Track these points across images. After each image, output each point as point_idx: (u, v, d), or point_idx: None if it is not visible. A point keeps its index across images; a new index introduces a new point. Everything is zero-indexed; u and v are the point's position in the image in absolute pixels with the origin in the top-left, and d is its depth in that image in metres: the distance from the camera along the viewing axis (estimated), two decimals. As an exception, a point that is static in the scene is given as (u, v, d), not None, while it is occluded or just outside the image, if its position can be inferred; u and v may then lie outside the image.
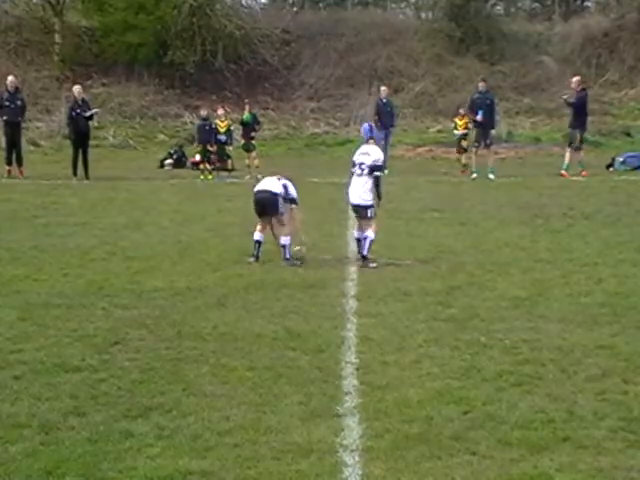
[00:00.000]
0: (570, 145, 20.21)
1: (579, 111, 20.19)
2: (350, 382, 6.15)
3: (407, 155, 26.39)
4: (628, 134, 27.26)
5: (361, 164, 10.48)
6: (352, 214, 10.92)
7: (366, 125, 11.27)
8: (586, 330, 7.41)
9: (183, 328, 7.52)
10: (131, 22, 30.20)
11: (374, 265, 10.18)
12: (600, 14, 35.91)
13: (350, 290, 9.14)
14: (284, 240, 10.40)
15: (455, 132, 22.64)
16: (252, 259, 10.43)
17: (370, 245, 10.28)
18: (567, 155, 20.15)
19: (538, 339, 7.14)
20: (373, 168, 10.40)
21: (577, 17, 35.94)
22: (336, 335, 7.34)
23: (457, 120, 22.57)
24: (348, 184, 10.65)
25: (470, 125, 21.72)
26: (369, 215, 10.41)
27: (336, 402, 5.72)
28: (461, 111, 22.48)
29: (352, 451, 4.98)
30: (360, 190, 10.42)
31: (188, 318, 7.87)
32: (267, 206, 10.51)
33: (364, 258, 10.29)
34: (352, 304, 8.48)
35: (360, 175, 10.45)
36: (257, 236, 10.48)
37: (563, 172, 19.83)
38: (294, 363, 6.54)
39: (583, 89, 20.60)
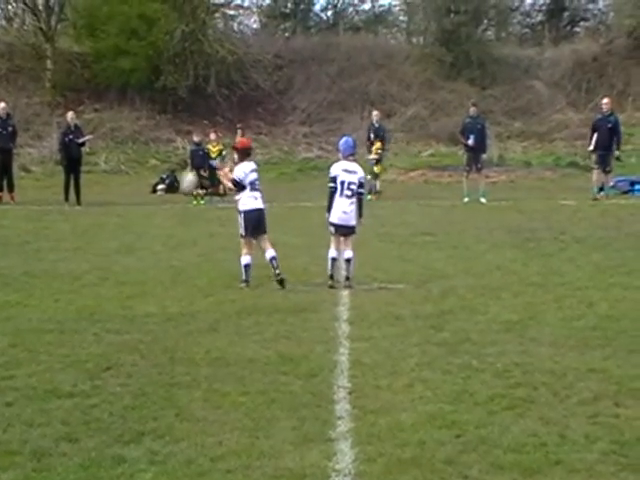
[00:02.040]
0: (606, 169, 20.34)
1: (616, 132, 20.46)
2: (343, 406, 6.14)
3: (399, 179, 26.50)
4: (618, 158, 27.39)
5: (350, 184, 10.51)
6: (332, 233, 10.70)
7: (350, 139, 11.08)
8: (578, 354, 7.43)
9: (175, 353, 7.50)
10: (123, 47, 30.35)
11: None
12: (589, 39, 36.26)
13: (342, 314, 9.14)
14: (272, 253, 10.41)
15: (368, 157, 22.21)
16: (243, 284, 10.42)
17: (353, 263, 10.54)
18: (606, 178, 20.39)
19: (530, 363, 7.14)
20: (361, 186, 10.61)
21: (567, 42, 36.30)
22: (328, 359, 7.33)
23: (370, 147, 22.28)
24: (331, 201, 10.62)
25: (380, 151, 21.94)
26: (354, 233, 10.65)
27: (329, 426, 5.71)
28: (371, 136, 22.30)
29: (345, 475, 4.97)
30: (351, 211, 10.54)
31: (180, 343, 7.86)
32: (262, 223, 10.55)
33: (347, 279, 10.46)
34: (344, 328, 8.48)
35: (350, 196, 10.52)
36: (246, 260, 10.45)
37: (598, 196, 19.99)
38: (287, 388, 6.54)
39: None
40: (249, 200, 10.54)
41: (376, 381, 6.69)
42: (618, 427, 5.65)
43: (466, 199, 20.19)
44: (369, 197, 20.91)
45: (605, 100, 21.27)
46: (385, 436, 5.52)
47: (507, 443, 5.38)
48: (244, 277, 10.44)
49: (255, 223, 10.52)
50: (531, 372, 6.87)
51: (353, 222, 10.59)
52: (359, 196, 10.62)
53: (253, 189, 10.57)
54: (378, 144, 21.95)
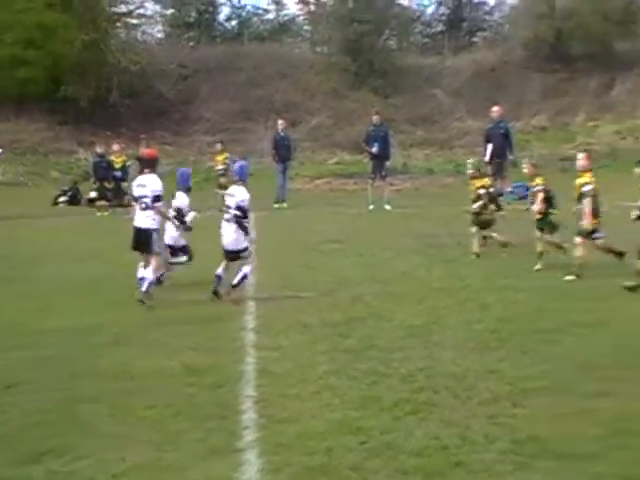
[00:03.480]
0: (503, 175, 20.71)
1: (508, 138, 20.88)
2: (249, 416, 6.15)
3: (305, 187, 26.61)
4: (516, 165, 28.18)
5: (228, 208, 10.33)
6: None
7: (236, 166, 10.98)
8: (478, 356, 7.62)
9: (79, 368, 7.38)
10: (20, 57, 29.52)
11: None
12: (487, 49, 37.24)
13: (249, 323, 9.15)
14: (143, 274, 10.08)
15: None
16: (147, 301, 9.97)
17: (243, 278, 10.25)
18: (503, 184, 20.78)
19: (433, 366, 7.30)
20: (238, 209, 10.27)
21: (466, 52, 37.15)
22: (235, 369, 7.34)
23: (216, 157, 22.21)
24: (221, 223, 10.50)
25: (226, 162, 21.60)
26: (244, 256, 10.36)
27: (235, 437, 5.72)
28: (218, 146, 22.30)
29: (251, 486, 4.99)
30: (233, 236, 10.30)
31: (84, 357, 7.74)
32: (139, 242, 10.20)
33: (234, 286, 10.23)
34: (251, 337, 8.50)
35: (229, 221, 10.34)
36: (138, 270, 10.19)
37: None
38: (193, 399, 6.51)
39: None
40: (134, 215, 10.34)
41: (284, 390, 6.72)
42: (515, 426, 5.84)
43: (371, 206, 20.44)
44: (276, 206, 21.05)
45: (495, 108, 21.71)
46: (293, 445, 5.57)
47: (411, 447, 5.49)
48: (140, 290, 10.01)
49: (134, 239, 10.23)
50: (434, 376, 7.02)
51: (238, 247, 10.29)
52: (236, 219, 10.28)
53: (139, 205, 10.22)
54: (225, 153, 21.87)
